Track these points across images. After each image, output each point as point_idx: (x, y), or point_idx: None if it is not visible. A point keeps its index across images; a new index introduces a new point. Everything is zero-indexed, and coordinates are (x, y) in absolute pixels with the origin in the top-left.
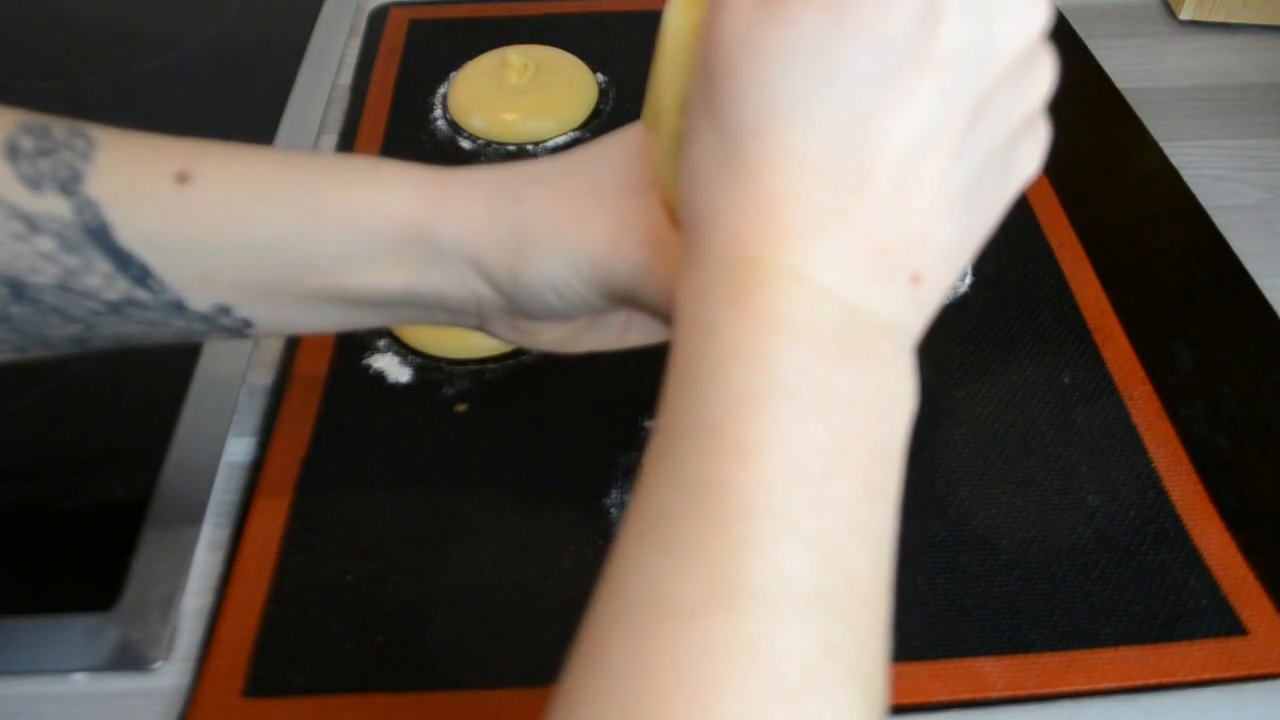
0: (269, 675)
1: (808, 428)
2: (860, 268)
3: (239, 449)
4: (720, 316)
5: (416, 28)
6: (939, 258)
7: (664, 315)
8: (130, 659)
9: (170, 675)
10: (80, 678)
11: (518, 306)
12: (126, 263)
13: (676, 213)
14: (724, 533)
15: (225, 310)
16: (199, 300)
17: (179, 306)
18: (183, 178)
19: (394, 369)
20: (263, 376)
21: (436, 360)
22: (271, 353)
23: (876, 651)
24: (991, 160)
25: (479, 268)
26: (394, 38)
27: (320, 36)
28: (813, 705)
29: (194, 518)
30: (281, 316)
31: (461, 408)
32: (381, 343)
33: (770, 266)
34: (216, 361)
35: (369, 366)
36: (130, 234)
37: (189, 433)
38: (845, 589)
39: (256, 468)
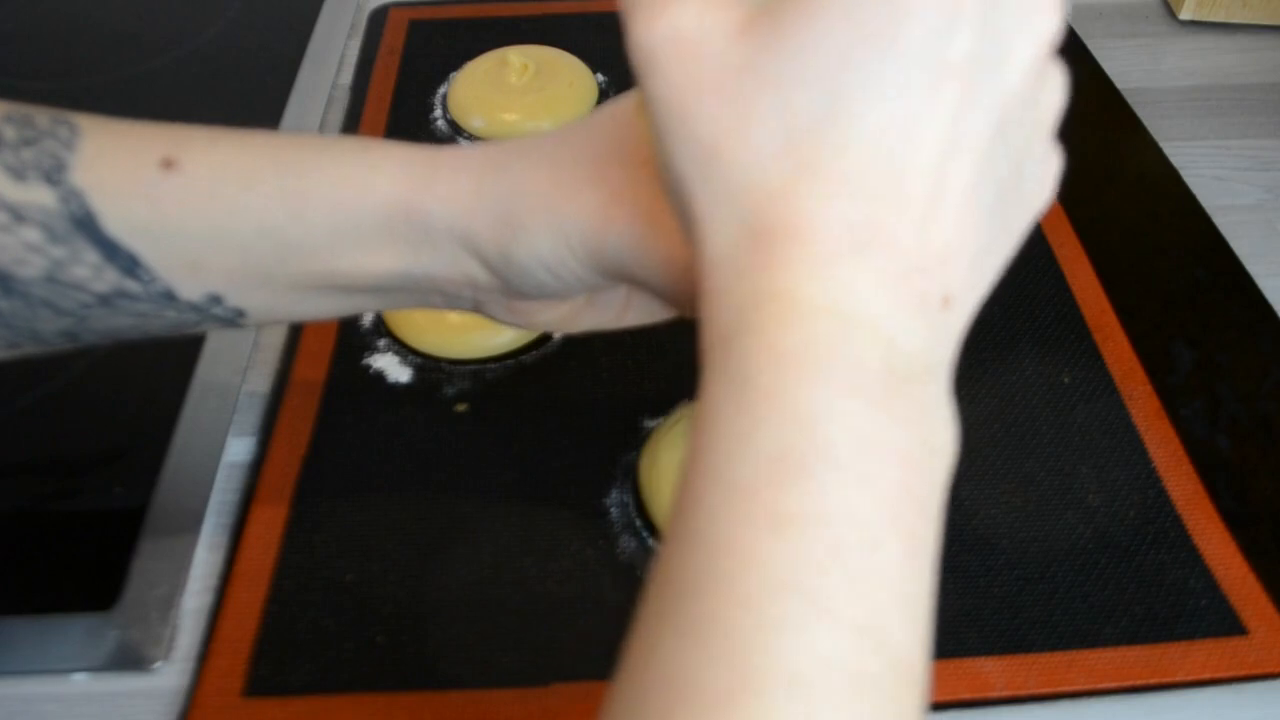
0: (269, 675)
1: (850, 496)
2: (898, 292)
3: (239, 449)
4: (751, 363)
5: (416, 28)
6: (968, 276)
7: (658, 289)
8: (130, 659)
9: (170, 675)
10: (80, 678)
11: (512, 286)
12: (114, 252)
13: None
14: (753, 611)
15: (217, 299)
16: (190, 289)
17: (170, 296)
18: (168, 164)
19: (394, 369)
20: (263, 376)
21: (436, 360)
22: (271, 352)
23: None
24: (1013, 175)
25: (470, 247)
26: (394, 38)
27: (320, 36)
28: None
29: (194, 518)
30: (274, 304)
31: (461, 408)
32: (381, 343)
33: (805, 301)
34: (216, 361)
35: (369, 366)
36: (117, 222)
37: (189, 433)
38: (886, 669)
39: (256, 468)
